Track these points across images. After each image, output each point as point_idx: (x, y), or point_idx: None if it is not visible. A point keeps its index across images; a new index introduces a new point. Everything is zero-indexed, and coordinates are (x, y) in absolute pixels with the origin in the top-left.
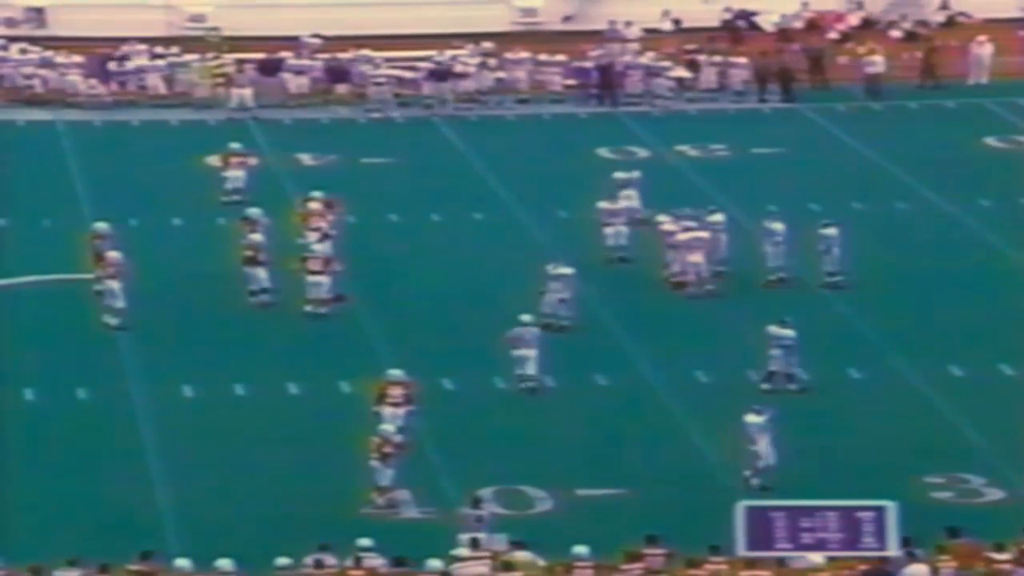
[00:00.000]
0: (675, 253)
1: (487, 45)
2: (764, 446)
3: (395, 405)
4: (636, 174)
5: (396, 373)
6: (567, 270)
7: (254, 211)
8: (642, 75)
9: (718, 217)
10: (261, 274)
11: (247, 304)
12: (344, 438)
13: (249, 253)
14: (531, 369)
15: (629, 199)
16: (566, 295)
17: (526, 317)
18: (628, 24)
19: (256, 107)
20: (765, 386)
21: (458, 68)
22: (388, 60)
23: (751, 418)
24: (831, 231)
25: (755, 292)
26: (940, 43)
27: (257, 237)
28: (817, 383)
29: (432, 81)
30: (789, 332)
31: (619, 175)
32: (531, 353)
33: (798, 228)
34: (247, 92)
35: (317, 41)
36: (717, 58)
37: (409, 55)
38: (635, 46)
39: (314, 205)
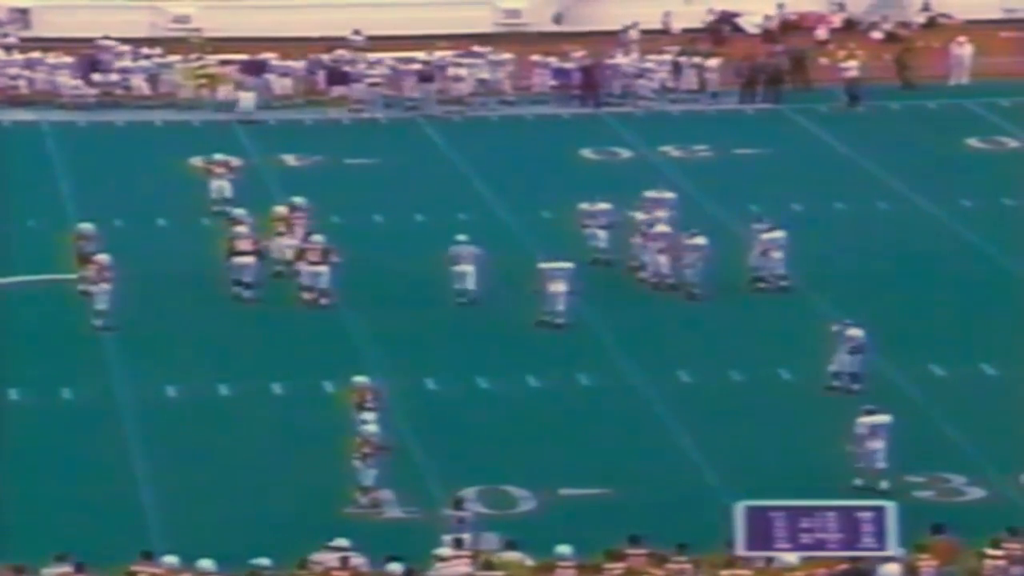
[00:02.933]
0: (652, 254)
1: (469, 47)
2: (876, 446)
3: (370, 409)
4: (669, 195)
5: (361, 379)
6: (551, 265)
7: (239, 211)
8: (624, 76)
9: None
10: (248, 266)
11: (231, 304)
12: (327, 438)
13: (236, 246)
14: (469, 284)
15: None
16: (555, 291)
17: (462, 236)
18: (635, 25)
19: (254, 110)
20: (857, 386)
21: (444, 70)
22: (377, 61)
23: (873, 419)
24: (777, 234)
25: (738, 293)
26: (922, 44)
27: (242, 229)
28: (800, 383)
29: (417, 82)
30: (859, 332)
31: (651, 194)
32: (469, 269)
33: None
34: (250, 96)
35: (360, 39)
36: (698, 60)
37: (394, 55)
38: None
39: (280, 209)
